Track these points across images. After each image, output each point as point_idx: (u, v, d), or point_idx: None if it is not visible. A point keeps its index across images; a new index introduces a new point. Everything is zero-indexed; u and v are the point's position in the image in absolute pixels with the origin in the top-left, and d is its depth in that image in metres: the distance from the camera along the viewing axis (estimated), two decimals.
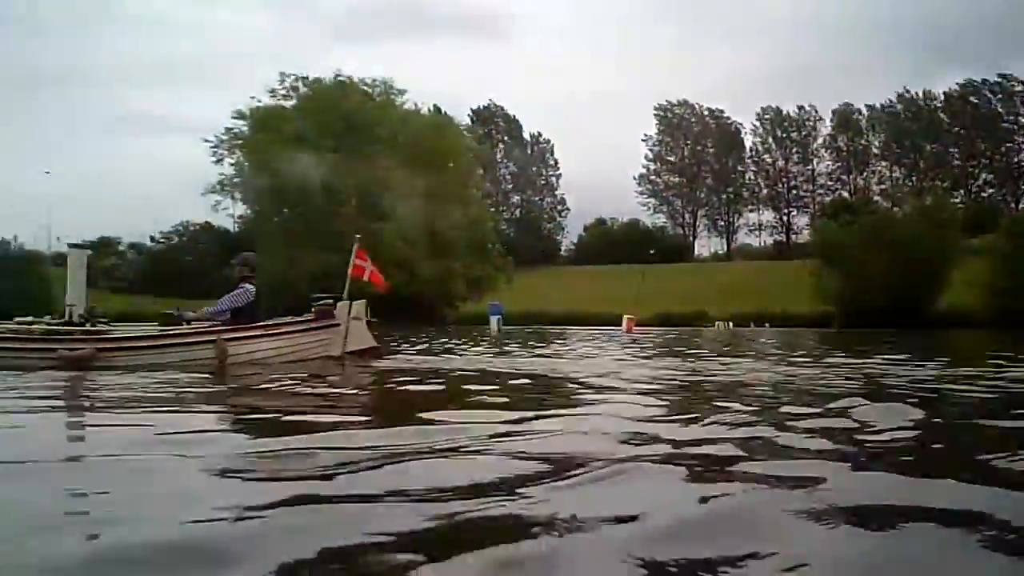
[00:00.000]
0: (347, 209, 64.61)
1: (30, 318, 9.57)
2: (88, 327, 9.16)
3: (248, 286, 9.72)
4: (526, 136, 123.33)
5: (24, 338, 8.81)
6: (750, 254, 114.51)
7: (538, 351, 13.72)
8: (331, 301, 10.19)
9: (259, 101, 65.21)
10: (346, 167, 60.60)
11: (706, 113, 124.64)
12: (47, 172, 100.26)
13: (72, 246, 10.19)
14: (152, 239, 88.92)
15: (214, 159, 66.32)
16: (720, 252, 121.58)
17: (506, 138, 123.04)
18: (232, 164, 66.16)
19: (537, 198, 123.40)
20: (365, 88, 67.04)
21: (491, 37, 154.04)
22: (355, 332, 10.08)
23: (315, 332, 9.88)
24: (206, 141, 66.57)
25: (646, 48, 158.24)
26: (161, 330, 9.52)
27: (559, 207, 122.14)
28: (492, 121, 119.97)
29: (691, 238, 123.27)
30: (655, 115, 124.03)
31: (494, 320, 40.51)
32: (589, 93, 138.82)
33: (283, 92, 66.38)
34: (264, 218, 64.04)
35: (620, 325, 36.16)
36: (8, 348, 8.59)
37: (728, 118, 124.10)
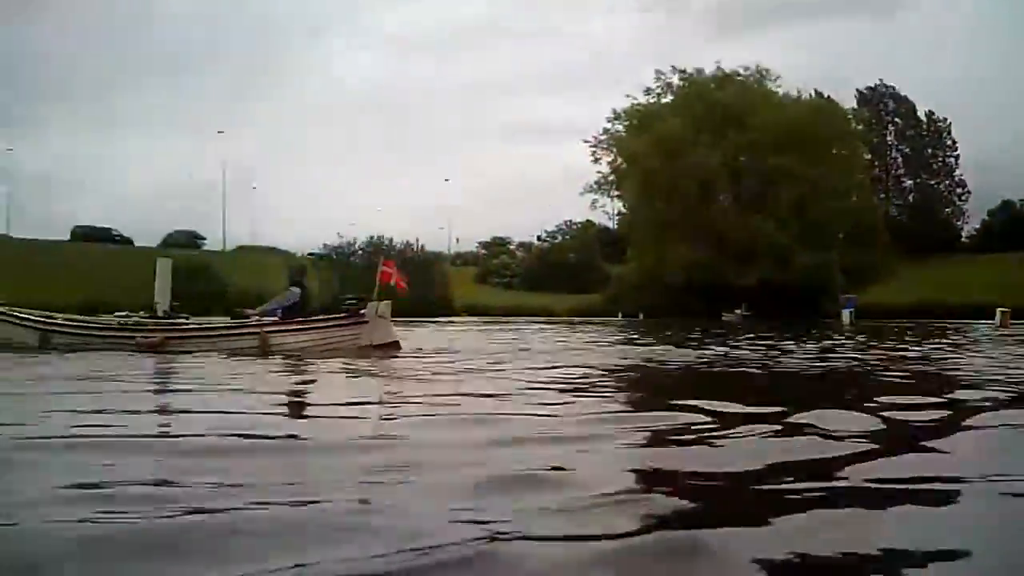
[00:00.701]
0: (721, 201, 64.45)
1: (127, 312, 12.06)
2: (164, 320, 11.34)
3: (295, 289, 11.72)
4: (920, 116, 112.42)
5: (114, 327, 11.37)
6: None
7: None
8: (357, 301, 11.68)
9: (635, 100, 67.40)
10: (721, 159, 60.57)
11: None
12: (447, 180, 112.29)
13: (161, 257, 12.71)
14: (538, 238, 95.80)
15: (592, 159, 69.77)
16: None
17: (897, 119, 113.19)
18: (609, 163, 69.12)
19: (933, 182, 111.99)
20: (740, 78, 66.29)
21: (875, 14, 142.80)
22: (381, 328, 11.34)
23: (345, 327, 11.33)
24: (585, 142, 70.19)
25: None
26: (225, 323, 11.77)
27: (958, 190, 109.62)
28: (881, 102, 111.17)
29: None
30: None
31: (846, 313, 40.81)
32: (987, 67, 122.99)
33: (658, 90, 67.94)
34: (638, 213, 66.07)
35: (992, 318, 31.85)
36: (103, 335, 11.19)
37: None
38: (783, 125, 60.32)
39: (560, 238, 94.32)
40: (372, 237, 64.06)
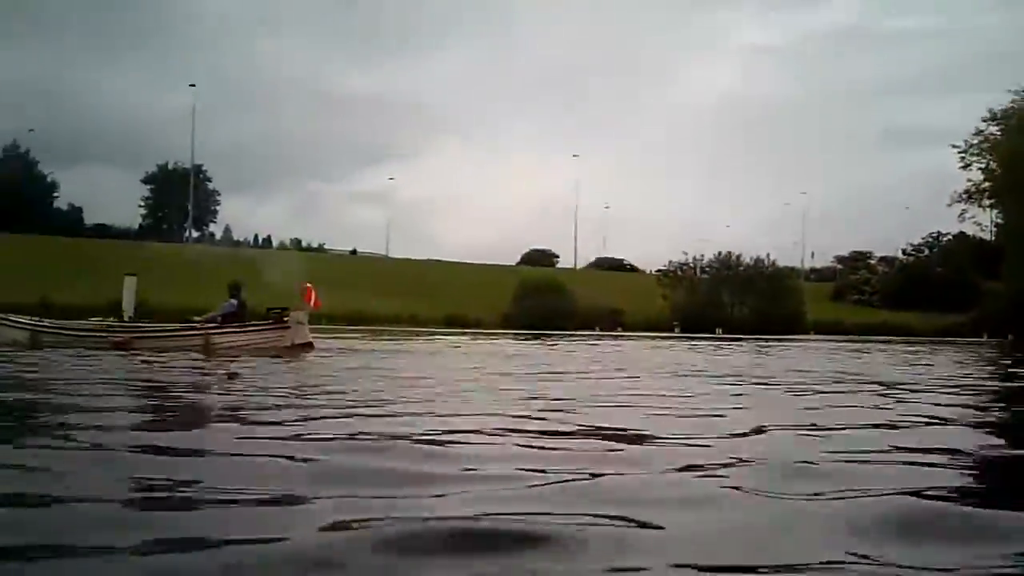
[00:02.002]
0: None
1: (99, 318, 15.63)
2: (128, 324, 14.60)
3: (232, 300, 14.69)
4: None
5: (90, 328, 14.50)
6: None
7: None
8: (281, 311, 14.67)
9: (1017, 98, 60.07)
10: None
11: None
12: (803, 193, 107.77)
13: (127, 275, 16.33)
14: (903, 252, 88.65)
15: (961, 165, 63.48)
16: None
17: None
18: (981, 169, 62.43)
19: None
20: None
21: None
22: (299, 332, 14.26)
23: (272, 331, 14.30)
24: (954, 147, 64.06)
25: None
26: (176, 326, 14.79)
27: None
28: None
29: None
30: None
31: None
32: None
33: None
34: (1016, 223, 58.76)
35: None
36: (82, 335, 14.04)
37: None
38: None
39: (927, 252, 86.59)
40: (719, 253, 63.97)
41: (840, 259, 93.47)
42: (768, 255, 64.96)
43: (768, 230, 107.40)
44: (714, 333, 46.52)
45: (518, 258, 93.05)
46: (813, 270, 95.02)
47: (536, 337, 31.30)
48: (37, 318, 15.99)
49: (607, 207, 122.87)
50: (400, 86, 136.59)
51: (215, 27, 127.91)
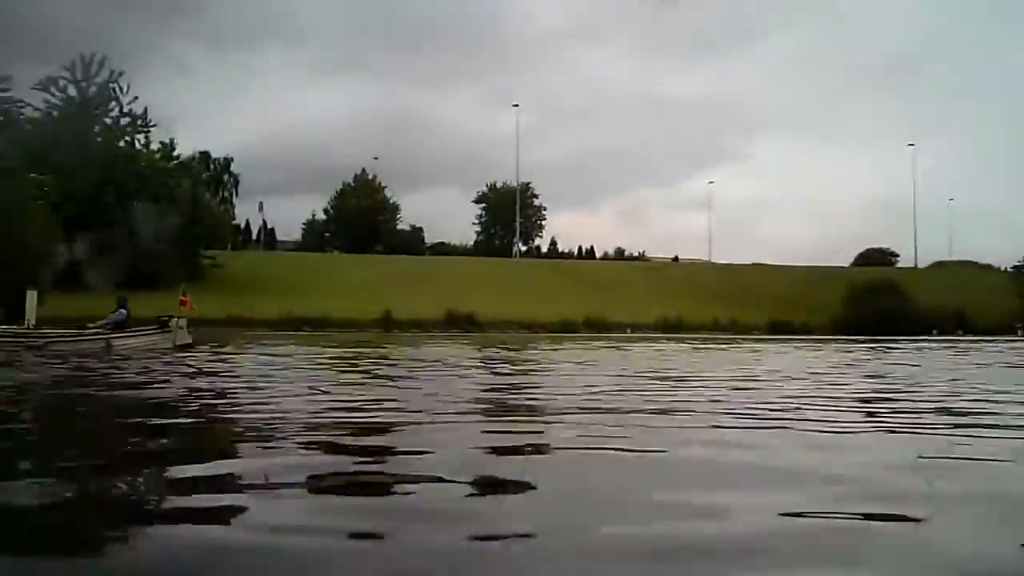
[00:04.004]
0: None
1: (5, 326, 17.81)
2: (32, 331, 17.01)
3: (122, 311, 17.23)
4: None
5: (6, 336, 16.03)
6: None
7: None
8: (168, 319, 17.20)
9: None
10: None
11: None
12: None
13: (29, 289, 19.98)
14: None
15: None
16: None
17: None
18: None
19: None
20: None
21: None
22: (180, 334, 16.83)
23: (158, 334, 16.93)
24: None
25: None
26: (79, 332, 16.59)
27: None
28: None
29: None
30: None
31: None
32: None
33: None
34: None
35: None
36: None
37: None
38: None
39: None
40: None
41: None
42: None
43: None
44: None
45: (852, 259, 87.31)
46: None
47: (870, 342, 28.98)
48: None
49: (951, 200, 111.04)
50: (722, 86, 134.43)
51: (538, 43, 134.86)
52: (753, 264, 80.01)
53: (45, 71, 63.54)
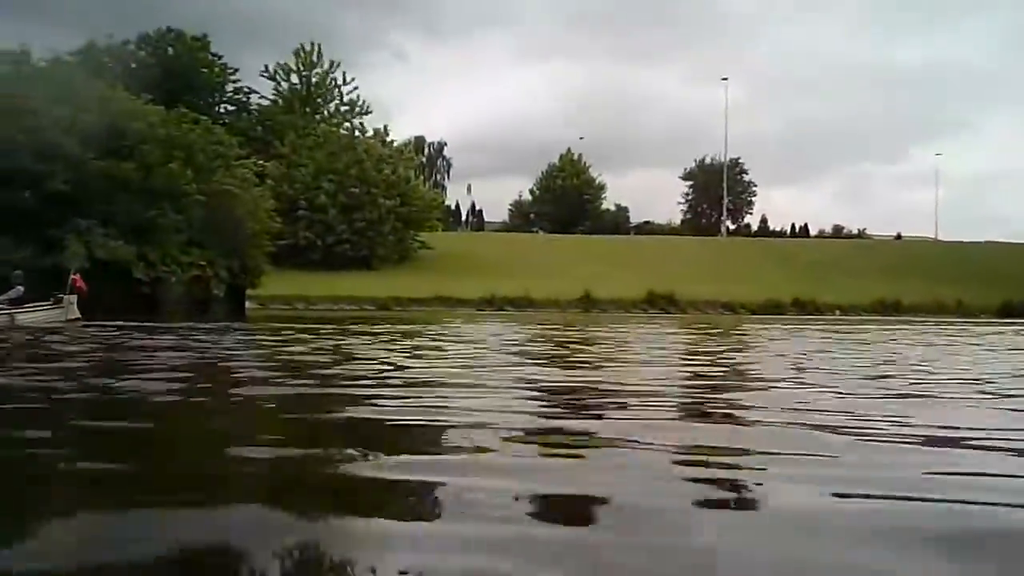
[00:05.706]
0: None
1: None
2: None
3: (19, 287, 18.66)
4: None
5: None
6: None
7: None
8: (61, 297, 18.93)
9: None
10: None
11: None
12: None
13: None
14: None
15: None
16: None
17: None
18: None
19: None
20: None
21: None
22: (71, 310, 18.79)
23: (53, 310, 18.53)
24: None
25: None
26: None
27: None
28: None
29: None
30: None
31: None
32: None
33: None
34: None
35: None
36: None
37: None
38: None
39: None
40: None
41: None
42: None
43: None
44: None
45: None
46: None
47: None
48: None
49: None
50: (947, 54, 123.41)
51: (751, 15, 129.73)
52: (986, 242, 73.22)
53: (271, 60, 68.82)
